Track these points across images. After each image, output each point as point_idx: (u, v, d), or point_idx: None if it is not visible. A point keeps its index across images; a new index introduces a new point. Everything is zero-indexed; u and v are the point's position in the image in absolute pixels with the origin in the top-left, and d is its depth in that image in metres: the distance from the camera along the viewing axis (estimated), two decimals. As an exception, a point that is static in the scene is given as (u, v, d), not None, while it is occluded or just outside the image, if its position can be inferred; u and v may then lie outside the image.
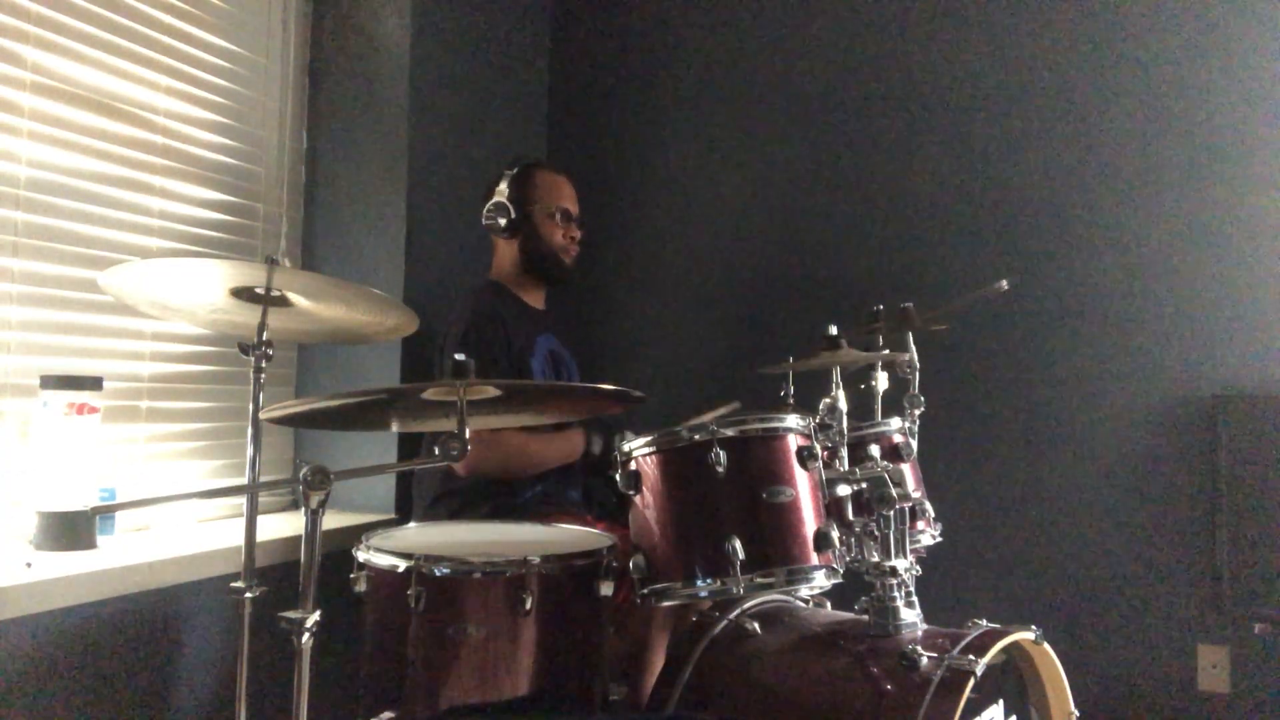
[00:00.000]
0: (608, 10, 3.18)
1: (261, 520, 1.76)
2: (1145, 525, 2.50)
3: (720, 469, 1.57)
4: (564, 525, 1.88)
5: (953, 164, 2.73)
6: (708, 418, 1.88)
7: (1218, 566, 2.40)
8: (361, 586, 1.55)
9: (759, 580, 1.55)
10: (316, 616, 1.25)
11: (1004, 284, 2.13)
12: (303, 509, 1.23)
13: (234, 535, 1.97)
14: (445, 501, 2.16)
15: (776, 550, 1.57)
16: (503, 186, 2.30)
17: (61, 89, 1.89)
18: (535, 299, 2.41)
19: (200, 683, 1.89)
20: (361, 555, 1.56)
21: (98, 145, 1.96)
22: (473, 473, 2.09)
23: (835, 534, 1.61)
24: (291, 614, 1.24)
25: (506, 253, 2.37)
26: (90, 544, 1.77)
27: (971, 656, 1.47)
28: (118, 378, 2.00)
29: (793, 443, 1.63)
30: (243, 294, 1.52)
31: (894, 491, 1.63)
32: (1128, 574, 2.51)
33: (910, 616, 1.62)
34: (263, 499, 2.25)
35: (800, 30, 2.93)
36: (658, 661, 1.85)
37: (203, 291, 1.55)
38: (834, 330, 1.76)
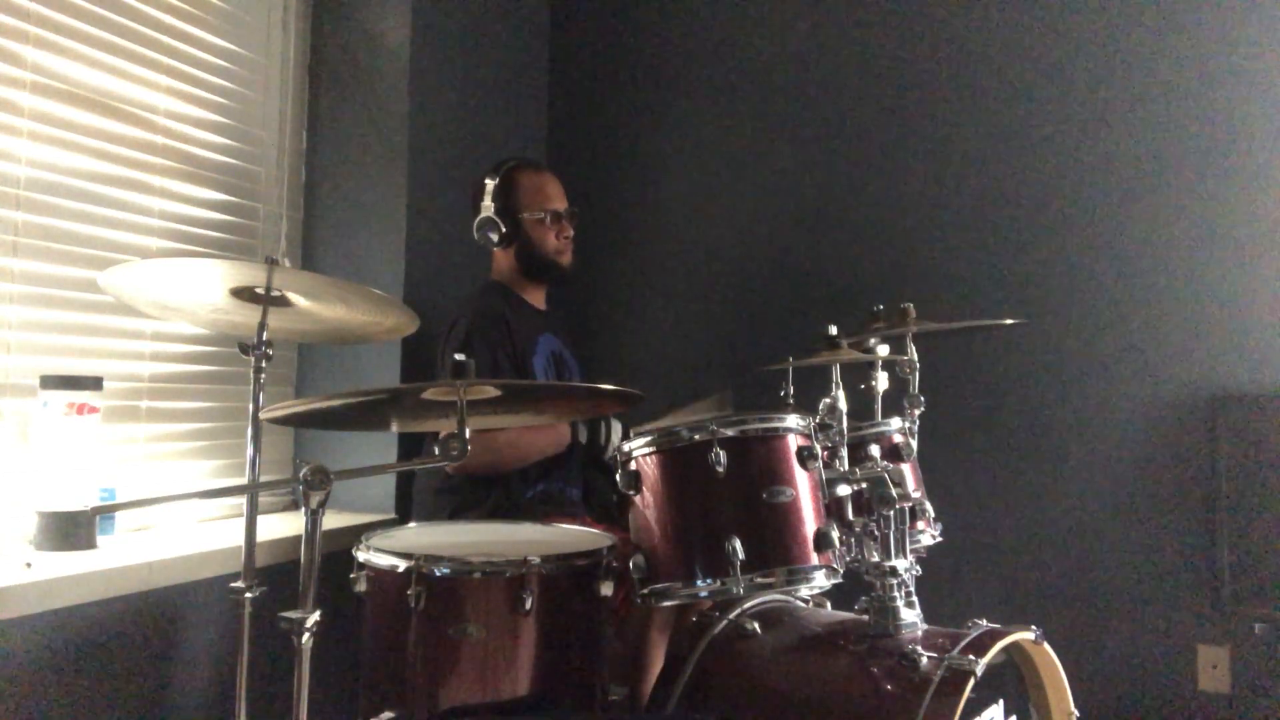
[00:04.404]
0: (607, 10, 3.18)
1: (261, 520, 1.76)
2: (1145, 525, 2.50)
3: (720, 469, 1.57)
4: (564, 525, 1.88)
5: (953, 164, 2.73)
6: (698, 412, 1.89)
7: (1218, 566, 2.40)
8: (361, 586, 1.55)
9: (759, 580, 1.55)
10: (316, 616, 1.25)
11: (1009, 321, 2.28)
12: (303, 509, 1.24)
13: (234, 535, 1.96)
14: (445, 501, 2.16)
15: (776, 550, 1.57)
16: (487, 201, 2.28)
17: (61, 89, 1.89)
18: (536, 298, 2.41)
19: (200, 683, 1.89)
20: (361, 555, 1.56)
21: (98, 145, 1.96)
22: (462, 471, 2.09)
23: (835, 534, 1.61)
24: (291, 614, 1.24)
25: (503, 259, 2.36)
26: (90, 544, 1.77)
27: (971, 656, 1.47)
28: (118, 378, 2.00)
29: (793, 443, 1.63)
30: (243, 294, 1.52)
31: (894, 491, 1.63)
32: (1128, 574, 2.51)
33: (910, 616, 1.62)
34: (263, 499, 2.25)
35: (800, 30, 2.92)
36: (658, 661, 1.84)
37: (203, 291, 1.55)
38: (834, 330, 1.77)
